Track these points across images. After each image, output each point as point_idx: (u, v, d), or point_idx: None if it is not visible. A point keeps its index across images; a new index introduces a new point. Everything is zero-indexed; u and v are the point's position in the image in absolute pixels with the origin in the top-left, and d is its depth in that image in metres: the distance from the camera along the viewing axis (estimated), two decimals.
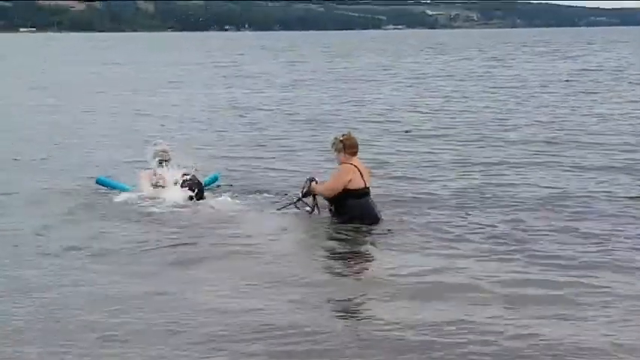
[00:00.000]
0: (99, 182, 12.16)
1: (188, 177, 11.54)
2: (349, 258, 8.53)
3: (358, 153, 9.87)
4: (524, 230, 9.50)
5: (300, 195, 10.33)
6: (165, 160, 11.86)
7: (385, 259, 8.47)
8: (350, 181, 9.59)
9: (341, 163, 9.80)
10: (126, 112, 23.20)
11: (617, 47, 70.92)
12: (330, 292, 7.37)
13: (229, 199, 11.45)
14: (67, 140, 17.74)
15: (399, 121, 20.52)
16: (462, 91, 29.44)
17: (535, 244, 8.88)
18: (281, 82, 35.14)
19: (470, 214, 10.29)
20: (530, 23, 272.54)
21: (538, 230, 9.50)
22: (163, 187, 11.52)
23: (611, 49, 66.31)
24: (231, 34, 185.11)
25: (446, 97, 27.14)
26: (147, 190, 11.54)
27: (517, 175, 13.11)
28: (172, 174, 11.67)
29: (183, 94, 29.19)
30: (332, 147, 9.97)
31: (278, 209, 10.53)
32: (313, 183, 10.15)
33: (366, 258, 8.65)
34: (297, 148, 16.38)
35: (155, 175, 11.68)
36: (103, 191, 11.87)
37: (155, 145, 12.22)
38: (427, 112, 22.63)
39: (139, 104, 25.60)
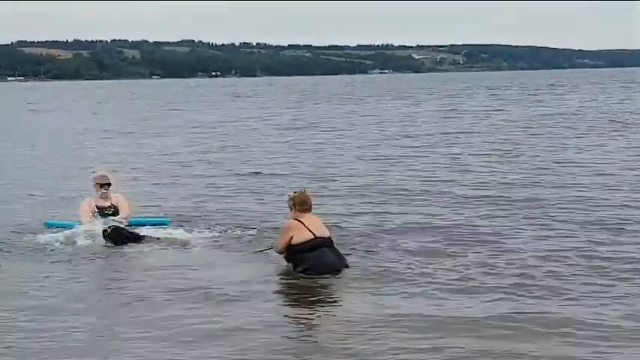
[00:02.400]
0: (48, 226, 12.14)
1: (110, 227, 11.20)
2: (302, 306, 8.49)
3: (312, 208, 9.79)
4: (490, 270, 9.44)
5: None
6: (106, 184, 11.80)
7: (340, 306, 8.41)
8: (291, 237, 9.52)
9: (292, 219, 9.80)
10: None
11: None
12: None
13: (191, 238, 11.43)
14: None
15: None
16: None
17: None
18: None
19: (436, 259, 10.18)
20: (514, 66, 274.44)
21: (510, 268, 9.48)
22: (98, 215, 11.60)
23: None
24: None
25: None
26: (86, 219, 11.55)
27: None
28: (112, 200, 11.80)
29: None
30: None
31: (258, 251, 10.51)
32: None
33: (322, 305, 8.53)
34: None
35: (95, 202, 11.77)
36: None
37: (94, 172, 12.19)
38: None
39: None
